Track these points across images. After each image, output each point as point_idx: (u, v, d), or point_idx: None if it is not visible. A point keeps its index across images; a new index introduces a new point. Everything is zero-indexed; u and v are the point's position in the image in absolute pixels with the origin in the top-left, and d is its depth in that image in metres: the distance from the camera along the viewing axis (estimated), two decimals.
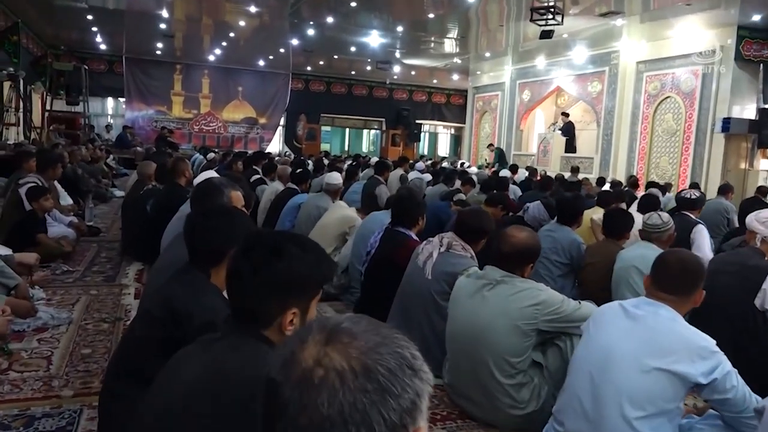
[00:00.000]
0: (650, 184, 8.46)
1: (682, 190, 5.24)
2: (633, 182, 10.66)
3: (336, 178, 5.28)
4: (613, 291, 3.42)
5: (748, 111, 11.81)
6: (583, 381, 1.91)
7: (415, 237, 3.41)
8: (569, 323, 2.32)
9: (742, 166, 12.13)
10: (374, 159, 11.05)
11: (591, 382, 1.88)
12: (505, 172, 9.52)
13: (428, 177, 8.88)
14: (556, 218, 4.08)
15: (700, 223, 4.56)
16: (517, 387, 2.31)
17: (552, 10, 10.99)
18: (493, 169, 13.94)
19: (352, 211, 4.68)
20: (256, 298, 1.24)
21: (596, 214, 5.32)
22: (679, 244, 4.50)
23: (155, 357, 1.61)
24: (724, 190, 7.17)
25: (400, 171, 8.93)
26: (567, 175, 11.66)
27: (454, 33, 14.61)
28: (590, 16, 11.97)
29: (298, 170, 6.83)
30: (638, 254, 3.32)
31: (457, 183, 8.25)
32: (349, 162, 12.87)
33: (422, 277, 2.89)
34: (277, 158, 11.94)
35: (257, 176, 7.44)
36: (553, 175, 11.72)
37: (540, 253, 2.49)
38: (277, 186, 6.60)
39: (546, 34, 11.67)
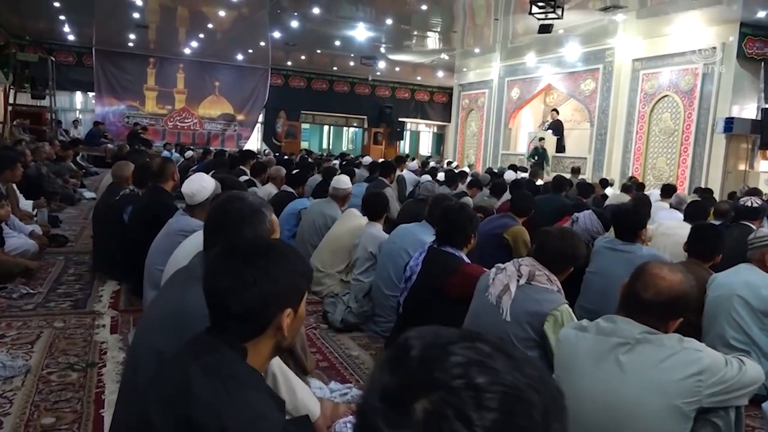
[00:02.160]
0: (666, 187, 7.90)
1: (740, 197, 4.68)
2: (637, 184, 10.17)
3: (345, 182, 4.58)
4: (706, 325, 2.81)
5: (747, 111, 11.47)
6: None
7: (467, 259, 2.75)
8: (736, 392, 1.67)
9: (742, 167, 11.78)
10: (366, 158, 10.36)
11: None
12: (510, 174, 8.90)
13: (427, 178, 8.22)
14: (613, 233, 3.45)
15: None
16: None
17: (552, 2, 10.47)
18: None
19: (365, 220, 4.00)
20: None
21: None
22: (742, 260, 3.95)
23: None
24: (752, 194, 6.67)
25: (396, 172, 8.26)
26: (567, 176, 11.11)
27: (442, 28, 14.00)
28: (588, 10, 11.46)
29: (295, 171, 6.12)
30: (743, 281, 2.71)
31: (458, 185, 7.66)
32: (336, 161, 12.16)
33: (497, 317, 2.22)
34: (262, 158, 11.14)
35: (245, 178, 6.70)
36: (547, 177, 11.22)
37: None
38: (269, 189, 5.90)
39: (545, 29, 11.15)
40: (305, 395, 1.93)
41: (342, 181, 4.58)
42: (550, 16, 10.72)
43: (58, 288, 4.20)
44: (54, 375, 2.75)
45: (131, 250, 4.01)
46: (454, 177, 7.83)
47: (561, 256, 2.31)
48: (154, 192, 4.00)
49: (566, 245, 2.29)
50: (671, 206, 6.15)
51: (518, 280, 2.22)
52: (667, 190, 7.74)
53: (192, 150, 11.76)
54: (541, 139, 14.23)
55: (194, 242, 2.63)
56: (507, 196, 6.70)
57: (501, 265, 2.35)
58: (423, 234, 3.27)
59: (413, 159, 18.28)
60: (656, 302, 1.70)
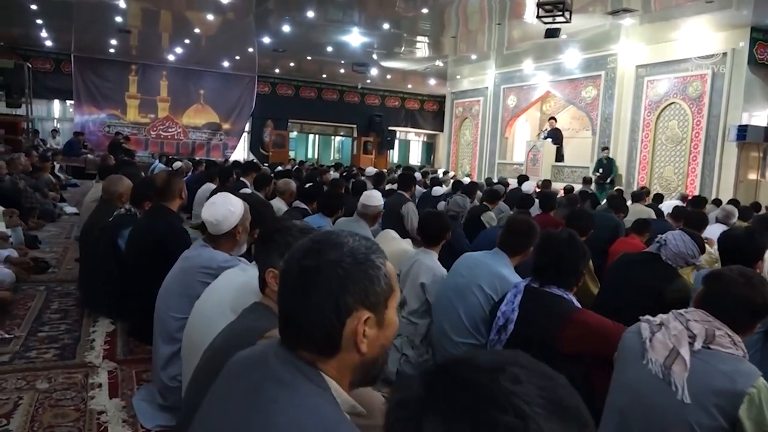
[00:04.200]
0: (695, 200, 7.39)
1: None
2: (647, 193, 9.71)
3: (377, 198, 3.94)
4: None
5: (757, 118, 11.12)
6: None
7: (577, 303, 2.12)
8: None
9: (753, 176, 11.41)
10: (370, 169, 9.69)
11: None
12: (528, 185, 8.32)
13: (441, 191, 7.63)
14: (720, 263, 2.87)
15: None
16: None
17: (561, 5, 10.01)
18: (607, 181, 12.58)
19: (407, 243, 3.39)
20: None
21: None
22: None
23: None
24: None
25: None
26: (578, 187, 10.60)
27: (437, 33, 13.46)
28: (590, 14, 11.01)
29: (308, 184, 5.47)
30: None
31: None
32: (337, 172, 11.52)
33: (669, 397, 1.57)
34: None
35: (247, 191, 6.03)
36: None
37: None
38: (278, 205, 5.25)
39: (552, 33, 10.71)
40: None
41: (373, 197, 3.92)
42: (558, 19, 10.27)
43: (39, 330, 3.46)
44: None
45: (129, 282, 3.36)
46: (470, 189, 7.23)
47: (748, 307, 1.65)
48: (158, 213, 3.33)
49: (756, 293, 1.62)
50: (717, 220, 5.63)
51: (691, 343, 1.61)
52: (698, 202, 7.22)
53: (180, 161, 11.00)
54: (605, 148, 13.20)
55: (228, 285, 1.99)
56: (536, 209, 6.13)
57: (654, 319, 1.72)
58: (499, 265, 2.60)
59: (401, 167, 17.72)
60: None
